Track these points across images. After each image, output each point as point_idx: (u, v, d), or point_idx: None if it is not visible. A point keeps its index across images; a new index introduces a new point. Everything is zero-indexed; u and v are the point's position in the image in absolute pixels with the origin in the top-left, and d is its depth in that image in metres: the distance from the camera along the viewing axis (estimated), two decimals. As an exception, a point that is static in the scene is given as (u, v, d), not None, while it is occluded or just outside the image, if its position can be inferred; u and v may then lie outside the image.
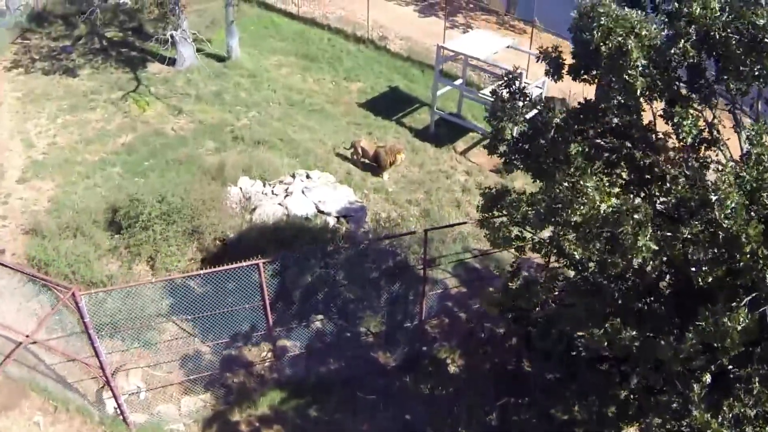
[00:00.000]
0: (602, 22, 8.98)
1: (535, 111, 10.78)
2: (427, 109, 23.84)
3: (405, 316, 15.90)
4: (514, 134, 10.12)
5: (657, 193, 10.68)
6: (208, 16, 28.38)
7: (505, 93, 10.88)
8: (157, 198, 16.64)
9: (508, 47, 22.81)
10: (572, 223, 8.36)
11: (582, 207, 8.01)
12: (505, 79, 11.16)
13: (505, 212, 10.60)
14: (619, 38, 8.87)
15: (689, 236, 7.85)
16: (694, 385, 9.22)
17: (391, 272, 16.39)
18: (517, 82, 11.09)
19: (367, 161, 20.90)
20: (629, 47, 8.76)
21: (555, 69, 10.49)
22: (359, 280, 15.34)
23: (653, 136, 10.35)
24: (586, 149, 10.05)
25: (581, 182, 8.13)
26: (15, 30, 27.00)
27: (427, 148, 22.46)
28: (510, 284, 10.43)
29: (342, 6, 31.10)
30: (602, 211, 7.98)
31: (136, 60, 25.35)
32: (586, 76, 10.48)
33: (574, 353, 11.61)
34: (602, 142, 10.44)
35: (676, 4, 9.77)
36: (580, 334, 10.66)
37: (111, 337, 15.34)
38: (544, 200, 9.12)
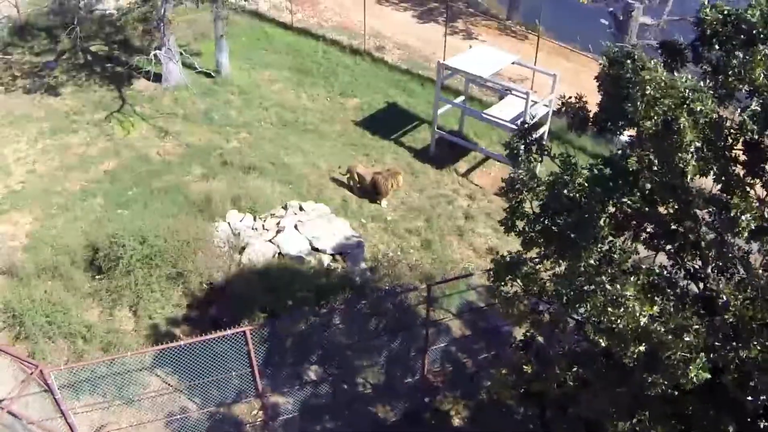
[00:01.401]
0: (648, 92, 7.55)
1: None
2: (427, 126, 22.65)
3: (406, 368, 14.82)
4: (534, 209, 8.94)
5: (689, 259, 9.61)
6: (197, 26, 26.99)
7: (521, 147, 9.70)
8: (138, 240, 15.44)
9: (513, 63, 21.60)
10: (606, 330, 7.19)
11: (619, 320, 6.84)
12: (519, 129, 10.00)
13: (519, 282, 9.50)
14: (667, 110, 7.53)
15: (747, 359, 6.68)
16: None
17: (391, 316, 15.33)
18: (532, 134, 9.92)
19: (363, 187, 19.72)
20: (682, 126, 7.44)
21: (579, 123, 9.32)
22: (357, 330, 14.26)
23: (687, 196, 9.20)
24: (616, 213, 8.97)
25: (618, 287, 6.93)
26: (-3, 45, 25.79)
27: (427, 170, 21.27)
28: (525, 368, 9.30)
29: (338, 12, 29.88)
30: (642, 324, 6.81)
31: (121, 76, 24.07)
32: (612, 129, 9.34)
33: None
34: (629, 201, 9.28)
35: (720, 52, 8.59)
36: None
37: (91, 393, 14.30)
38: (569, 282, 7.99)
